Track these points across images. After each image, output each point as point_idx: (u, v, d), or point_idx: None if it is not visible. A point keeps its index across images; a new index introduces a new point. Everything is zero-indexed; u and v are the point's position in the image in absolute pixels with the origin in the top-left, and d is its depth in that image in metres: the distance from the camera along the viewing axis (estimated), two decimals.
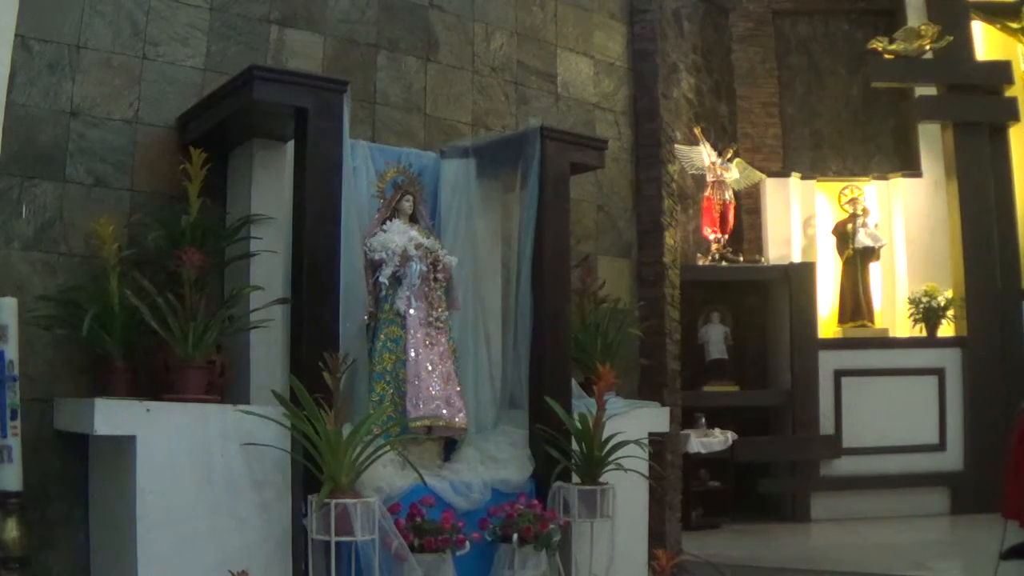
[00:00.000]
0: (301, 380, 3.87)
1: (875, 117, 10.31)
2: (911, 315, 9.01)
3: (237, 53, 4.83)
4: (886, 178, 9.64)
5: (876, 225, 9.39)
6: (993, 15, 9.53)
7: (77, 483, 4.13)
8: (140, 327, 4.01)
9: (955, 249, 9.16)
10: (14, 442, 3.75)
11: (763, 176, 9.63)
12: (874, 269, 9.36)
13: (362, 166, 4.91)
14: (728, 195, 9.22)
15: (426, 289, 4.73)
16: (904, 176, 9.58)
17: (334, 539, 3.69)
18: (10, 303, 3.83)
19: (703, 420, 8.39)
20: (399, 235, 4.76)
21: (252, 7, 4.97)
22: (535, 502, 4.56)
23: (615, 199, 6.60)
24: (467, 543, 4.21)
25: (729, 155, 9.38)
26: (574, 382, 5.15)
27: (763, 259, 9.38)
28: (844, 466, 8.60)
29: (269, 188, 4.49)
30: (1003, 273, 9.01)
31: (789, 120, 10.37)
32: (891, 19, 10.08)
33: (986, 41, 9.62)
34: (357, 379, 4.53)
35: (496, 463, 4.75)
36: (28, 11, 4.22)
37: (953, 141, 9.29)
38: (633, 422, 5.17)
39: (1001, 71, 9.28)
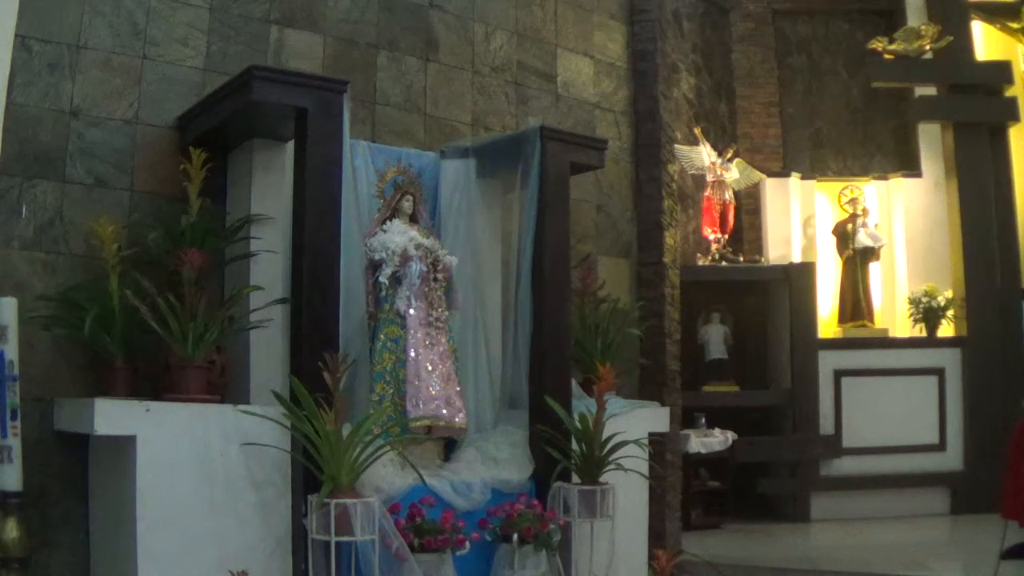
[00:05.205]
0: (301, 380, 3.87)
1: (875, 117, 10.30)
2: (911, 315, 9.01)
3: (237, 53, 4.83)
4: (886, 178, 9.64)
5: (876, 225, 9.38)
6: (993, 15, 9.53)
7: (77, 483, 4.13)
8: (140, 327, 4.01)
9: (955, 249, 9.15)
10: (14, 442, 3.75)
11: (763, 176, 9.62)
12: (874, 269, 9.35)
13: (362, 166, 4.92)
14: (728, 195, 9.21)
15: (426, 289, 4.73)
16: (904, 176, 9.58)
17: (334, 539, 3.69)
18: (10, 303, 3.82)
19: (703, 420, 8.39)
20: (399, 235, 4.77)
21: (252, 7, 4.98)
22: (535, 502, 4.56)
23: (615, 199, 6.60)
24: (467, 543, 4.21)
25: (729, 155, 9.37)
26: (574, 382, 5.15)
27: (763, 259, 9.38)
28: (844, 466, 8.59)
29: (269, 188, 4.49)
30: (1003, 273, 9.00)
31: (789, 120, 10.36)
32: (891, 19, 10.08)
33: (986, 41, 9.61)
34: (357, 379, 4.53)
35: (496, 463, 4.74)
36: (28, 11, 4.22)
37: (953, 141, 9.28)
38: (633, 422, 5.17)
39: (1001, 71, 9.27)
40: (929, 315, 8.93)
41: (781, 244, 9.46)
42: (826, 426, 8.64)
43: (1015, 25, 9.39)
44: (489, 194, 5.36)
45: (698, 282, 8.76)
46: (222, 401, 4.11)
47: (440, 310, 4.78)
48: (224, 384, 4.27)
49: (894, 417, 8.65)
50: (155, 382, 4.14)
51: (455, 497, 4.40)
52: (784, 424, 8.83)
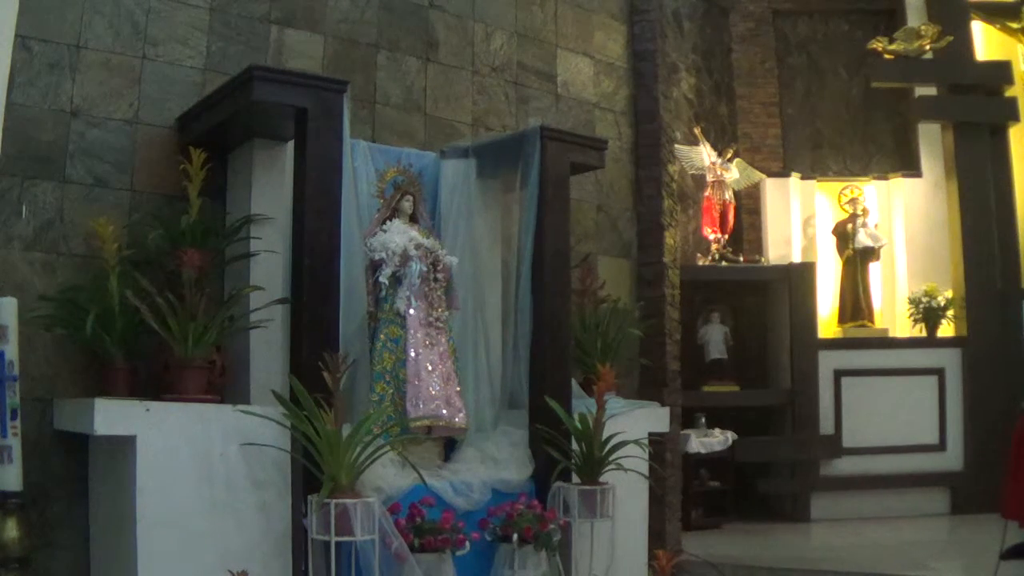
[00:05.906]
0: (301, 380, 3.88)
1: (875, 117, 10.29)
2: (911, 315, 9.00)
3: (237, 53, 4.84)
4: (886, 178, 9.63)
5: (876, 225, 9.37)
6: (993, 15, 9.52)
7: (77, 483, 4.14)
8: (140, 327, 4.01)
9: (955, 249, 9.14)
10: (14, 442, 3.75)
11: (763, 176, 9.61)
12: (874, 269, 9.34)
13: (362, 166, 4.92)
14: (728, 195, 9.20)
15: (426, 289, 4.74)
16: (904, 176, 9.56)
17: (334, 539, 3.69)
18: (10, 303, 3.83)
19: (703, 420, 8.39)
20: (399, 235, 4.77)
21: (252, 7, 4.98)
22: (535, 502, 4.56)
23: (615, 199, 6.61)
24: (467, 543, 4.21)
25: (729, 155, 9.36)
26: (574, 382, 5.15)
27: (763, 259, 9.37)
28: (844, 466, 8.58)
29: (269, 188, 4.50)
30: (1003, 273, 8.99)
31: (789, 120, 10.35)
32: (891, 19, 10.07)
33: (986, 41, 9.60)
34: (357, 379, 4.53)
35: (496, 463, 4.75)
36: (28, 11, 4.23)
37: (953, 141, 9.28)
38: (633, 422, 5.17)
39: (1001, 71, 9.27)
40: (929, 315, 8.92)
41: (781, 244, 9.45)
42: (826, 426, 8.63)
43: (1015, 25, 9.38)
44: (489, 194, 5.36)
45: (698, 282, 8.76)
46: (222, 401, 4.11)
47: (440, 310, 4.78)
48: (224, 384, 4.27)
49: (894, 417, 8.64)
50: (155, 382, 4.14)
51: (455, 497, 4.40)
52: (784, 424, 8.82)
